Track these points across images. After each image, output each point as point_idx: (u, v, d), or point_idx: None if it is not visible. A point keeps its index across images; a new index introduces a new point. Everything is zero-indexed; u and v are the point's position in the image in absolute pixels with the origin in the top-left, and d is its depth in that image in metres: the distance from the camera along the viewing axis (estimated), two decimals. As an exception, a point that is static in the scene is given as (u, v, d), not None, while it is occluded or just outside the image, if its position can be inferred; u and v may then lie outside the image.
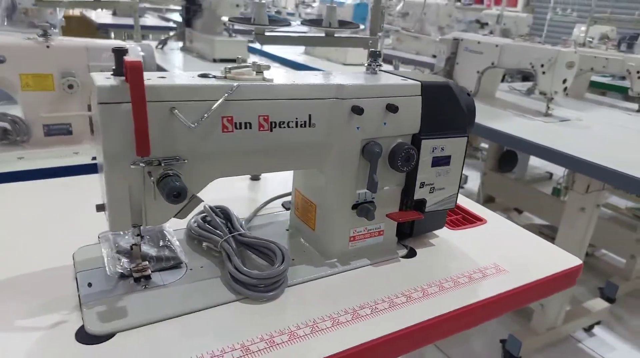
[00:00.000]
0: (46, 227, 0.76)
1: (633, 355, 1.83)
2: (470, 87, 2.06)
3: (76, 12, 4.44)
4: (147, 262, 0.66)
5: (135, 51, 1.28)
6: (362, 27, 1.01)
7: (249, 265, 0.67)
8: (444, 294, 0.67)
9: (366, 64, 0.73)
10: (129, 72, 0.48)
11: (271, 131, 0.61)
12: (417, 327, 0.60)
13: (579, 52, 1.80)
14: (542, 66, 1.78)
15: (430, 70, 2.51)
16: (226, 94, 0.56)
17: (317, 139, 0.64)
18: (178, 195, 0.53)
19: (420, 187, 0.73)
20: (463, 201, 0.97)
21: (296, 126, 0.62)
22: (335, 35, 1.01)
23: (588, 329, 1.95)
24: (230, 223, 0.75)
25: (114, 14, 4.36)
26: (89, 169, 1.08)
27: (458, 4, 4.07)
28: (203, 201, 0.62)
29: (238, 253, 0.68)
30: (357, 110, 0.64)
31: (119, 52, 0.54)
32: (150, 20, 4.34)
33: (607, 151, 1.46)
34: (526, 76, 2.88)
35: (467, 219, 0.91)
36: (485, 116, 1.80)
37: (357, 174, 0.69)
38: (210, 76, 0.60)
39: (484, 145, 3.39)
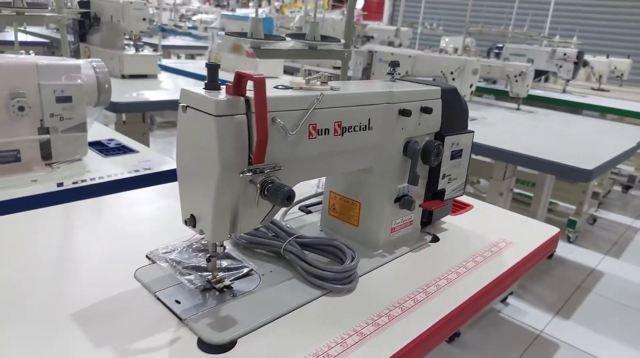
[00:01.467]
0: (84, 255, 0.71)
1: (541, 316, 2.16)
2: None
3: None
4: (221, 273, 0.66)
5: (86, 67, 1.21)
6: (343, 41, 1.10)
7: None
8: (481, 267, 0.78)
9: (386, 73, 0.82)
10: (255, 86, 0.51)
11: (342, 135, 0.66)
12: (482, 292, 0.71)
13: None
14: (452, 73, 2.04)
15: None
16: (315, 102, 0.61)
17: (374, 140, 0.71)
18: (290, 198, 0.56)
19: (442, 178, 0.84)
20: (444, 192, 1.11)
21: (360, 130, 0.69)
22: (318, 48, 1.08)
23: (503, 300, 2.26)
24: (279, 228, 0.77)
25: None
26: (56, 197, 1.00)
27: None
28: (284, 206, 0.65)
29: (300, 252, 0.71)
30: (406, 112, 0.72)
31: (213, 67, 0.55)
32: (11, 34, 3.89)
33: (517, 142, 1.74)
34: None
35: (458, 206, 1.04)
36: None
37: (400, 170, 0.77)
38: (281, 87, 0.64)
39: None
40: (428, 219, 0.89)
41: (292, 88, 0.63)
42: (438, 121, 0.81)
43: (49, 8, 1.42)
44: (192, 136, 0.56)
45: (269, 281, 0.68)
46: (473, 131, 0.87)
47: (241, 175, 0.56)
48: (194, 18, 5.86)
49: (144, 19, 2.51)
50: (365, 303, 0.66)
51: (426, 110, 0.76)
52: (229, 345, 0.54)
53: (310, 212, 0.93)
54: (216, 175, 0.54)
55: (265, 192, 0.57)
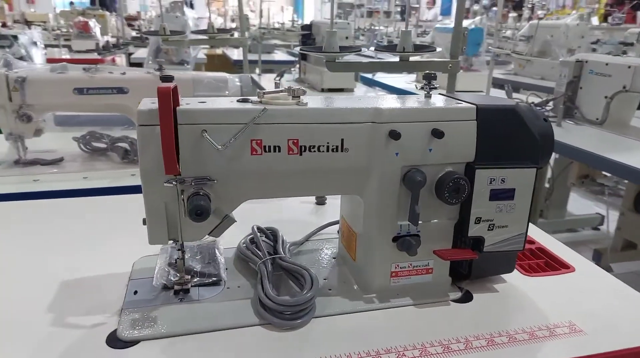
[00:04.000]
0: (122, 235, 0.85)
1: None
2: (596, 114, 1.81)
3: (218, 51, 4.98)
4: (189, 276, 0.69)
5: (232, 81, 1.39)
6: (439, 49, 0.96)
7: (284, 291, 0.66)
8: (492, 350, 0.58)
9: (419, 87, 0.69)
10: (158, 97, 0.52)
11: (301, 154, 0.60)
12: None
13: None
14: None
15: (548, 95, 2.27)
16: (254, 118, 0.57)
17: (352, 164, 0.61)
18: (200, 213, 0.55)
19: (475, 223, 0.65)
20: (551, 244, 0.85)
21: (327, 151, 0.60)
22: (411, 59, 0.97)
23: None
24: (275, 245, 0.75)
25: (250, 51, 4.80)
26: None
27: (604, 24, 3.66)
28: (235, 221, 0.64)
29: (273, 276, 0.67)
30: (394, 135, 0.60)
31: (165, 79, 0.58)
32: (279, 55, 4.66)
33: None
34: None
35: (550, 266, 0.78)
36: (613, 148, 1.57)
37: (399, 203, 0.64)
38: (250, 101, 0.62)
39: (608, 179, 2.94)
40: (468, 272, 0.70)
41: (252, 102, 0.61)
42: (470, 148, 0.63)
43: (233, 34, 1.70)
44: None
45: (227, 295, 0.67)
46: (538, 167, 0.65)
47: (165, 184, 0.57)
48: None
49: (346, 38, 2.68)
50: (298, 347, 0.57)
51: (436, 133, 0.61)
52: (130, 344, 0.57)
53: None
54: (142, 183, 0.57)
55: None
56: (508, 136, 0.64)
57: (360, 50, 0.95)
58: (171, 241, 0.63)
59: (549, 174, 2.54)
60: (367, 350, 0.57)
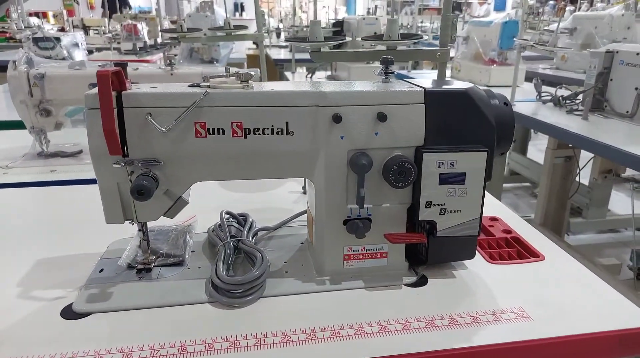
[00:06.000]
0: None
1: None
2: (626, 107, 1.71)
3: (257, 51, 5.07)
4: (153, 257, 0.72)
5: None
6: (425, 37, 0.95)
7: (241, 272, 0.68)
8: (429, 332, 0.57)
9: (376, 72, 0.69)
10: (97, 81, 0.55)
11: (245, 137, 0.61)
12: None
13: None
14: None
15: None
16: (196, 101, 0.59)
17: (298, 147, 0.62)
18: (142, 193, 0.58)
19: (426, 207, 0.64)
20: (529, 233, 0.82)
21: (272, 134, 0.62)
22: (398, 48, 0.96)
23: None
24: (242, 230, 0.77)
25: (290, 50, 4.86)
26: None
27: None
28: (188, 202, 0.66)
29: (231, 258, 0.69)
30: (336, 118, 0.60)
31: (119, 66, 0.62)
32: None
33: None
34: None
35: (521, 254, 0.75)
36: (642, 143, 1.48)
37: (347, 187, 0.64)
38: (199, 86, 0.64)
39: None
40: (425, 257, 0.70)
41: (199, 86, 0.63)
42: (418, 132, 0.63)
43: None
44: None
45: (185, 275, 0.69)
46: (488, 151, 0.63)
47: (114, 165, 0.60)
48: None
49: (375, 33, 2.67)
50: (240, 323, 0.59)
51: (380, 117, 0.61)
52: (81, 316, 0.60)
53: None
54: (93, 164, 0.61)
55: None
56: (459, 119, 0.63)
57: (345, 39, 0.95)
58: (129, 221, 0.66)
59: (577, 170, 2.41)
60: (304, 328, 0.58)
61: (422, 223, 0.66)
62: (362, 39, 0.99)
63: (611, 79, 1.78)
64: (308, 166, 0.64)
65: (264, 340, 0.56)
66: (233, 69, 0.65)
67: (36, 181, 1.17)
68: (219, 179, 0.66)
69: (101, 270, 0.70)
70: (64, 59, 2.72)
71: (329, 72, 3.12)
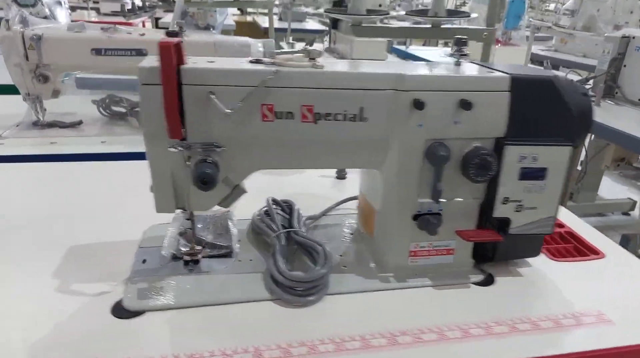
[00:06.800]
0: (143, 199, 0.83)
1: None
2: (638, 94, 1.70)
3: (249, 18, 4.89)
4: (200, 247, 0.66)
5: (255, 46, 1.34)
6: (474, 15, 0.89)
7: (297, 266, 0.64)
8: (514, 337, 0.54)
9: (448, 54, 0.64)
10: (159, 52, 0.48)
11: (315, 122, 0.56)
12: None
13: None
14: None
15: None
16: (265, 80, 0.53)
17: (371, 135, 0.57)
18: (206, 182, 0.52)
19: (502, 203, 0.60)
20: (581, 228, 0.79)
21: (344, 119, 0.56)
22: (443, 26, 0.90)
23: None
24: (291, 219, 0.72)
25: (280, 19, 4.70)
26: None
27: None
28: (246, 191, 0.61)
29: (287, 251, 0.65)
30: (418, 104, 0.55)
31: (170, 34, 0.54)
32: (310, 24, 4.54)
33: None
34: None
35: (579, 251, 0.73)
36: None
37: (420, 179, 0.59)
38: (262, 62, 0.57)
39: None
40: (492, 254, 0.66)
41: (264, 63, 0.56)
42: (500, 122, 0.58)
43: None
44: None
45: (237, 268, 0.64)
46: (573, 145, 0.59)
47: (170, 149, 0.54)
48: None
49: (380, 5, 2.57)
50: (308, 325, 0.55)
51: (464, 105, 0.56)
52: (135, 314, 0.55)
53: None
54: (145, 147, 0.54)
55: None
56: (543, 110, 0.59)
57: (388, 14, 0.89)
58: (179, 211, 0.60)
59: (582, 155, 2.43)
60: (382, 332, 0.54)
61: (493, 219, 0.62)
62: (406, 14, 0.92)
63: (624, 65, 1.77)
64: (380, 156, 0.59)
65: (342, 344, 0.51)
66: (299, 45, 0.58)
67: (37, 153, 1.08)
68: (281, 167, 0.61)
69: (144, 261, 0.64)
70: (45, 17, 2.54)
71: (327, 45, 3.01)
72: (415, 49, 3.00)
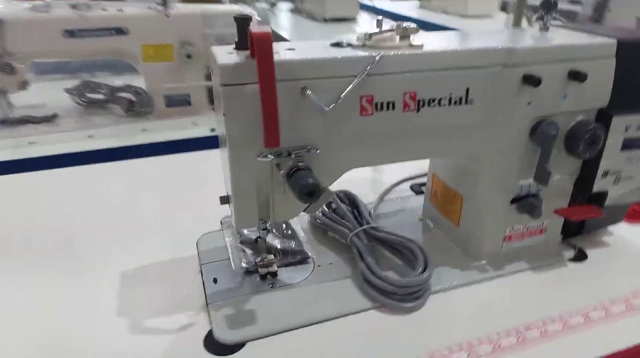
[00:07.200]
0: (168, 208, 0.74)
1: None
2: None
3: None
4: (272, 256, 0.59)
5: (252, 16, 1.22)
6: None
7: (383, 265, 0.58)
8: (636, 317, 0.52)
9: (535, 18, 0.57)
10: (256, 46, 0.39)
11: (417, 111, 0.49)
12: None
13: None
14: None
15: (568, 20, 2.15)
16: (368, 68, 0.45)
17: (475, 119, 0.51)
18: (311, 193, 0.45)
19: (602, 176, 0.57)
20: None
21: (449, 104, 0.49)
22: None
23: None
24: (358, 212, 0.66)
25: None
26: (209, 143, 1.07)
27: None
28: (334, 193, 0.54)
29: (370, 249, 0.59)
30: (533, 80, 0.49)
31: (242, 22, 0.45)
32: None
33: None
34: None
35: (649, 211, 0.72)
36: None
37: (522, 161, 0.55)
38: (345, 44, 0.49)
39: None
40: (578, 228, 0.63)
41: (351, 46, 0.48)
42: (605, 92, 0.54)
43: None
44: (218, 103, 0.49)
45: (321, 275, 0.58)
46: (675, 109, 0.56)
47: (259, 159, 0.46)
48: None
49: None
50: (427, 330, 0.50)
51: (577, 76, 0.51)
52: (235, 347, 0.48)
53: (421, 193, 0.77)
54: (230, 158, 0.46)
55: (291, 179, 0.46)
56: (645, 74, 0.55)
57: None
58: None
59: None
60: (506, 328, 0.50)
61: (589, 194, 0.59)
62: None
63: (609, 11, 1.77)
64: (480, 140, 0.53)
65: (473, 348, 0.47)
66: (389, 22, 0.50)
67: (21, 158, 0.94)
68: (376, 164, 0.54)
69: (215, 280, 0.57)
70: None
71: (291, 4, 2.83)
72: (382, 4, 2.89)
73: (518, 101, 0.51)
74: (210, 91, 1.21)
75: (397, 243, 0.59)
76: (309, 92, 0.44)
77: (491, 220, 0.58)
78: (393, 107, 0.48)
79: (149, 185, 0.81)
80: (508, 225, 0.58)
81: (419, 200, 0.72)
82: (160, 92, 1.15)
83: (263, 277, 0.57)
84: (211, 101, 1.23)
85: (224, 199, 0.54)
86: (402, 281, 0.53)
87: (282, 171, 0.47)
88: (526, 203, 0.56)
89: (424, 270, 0.54)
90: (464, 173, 0.59)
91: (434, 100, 0.49)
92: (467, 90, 0.49)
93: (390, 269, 0.58)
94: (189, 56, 1.14)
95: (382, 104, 0.47)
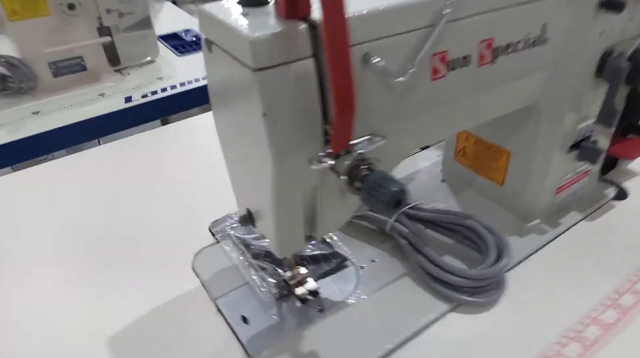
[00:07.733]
0: (139, 217, 0.57)
1: None
2: None
3: None
4: (303, 267, 0.47)
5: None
6: None
7: (437, 252, 0.49)
8: None
9: None
10: (324, 10, 0.24)
11: (493, 62, 0.37)
12: None
13: None
14: None
15: None
16: (445, 13, 0.32)
17: (547, 61, 0.41)
18: (400, 202, 0.32)
19: (649, 105, 0.51)
20: None
21: (524, 47, 0.39)
22: None
23: None
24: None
25: None
26: (130, 118, 0.87)
27: None
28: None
29: (419, 236, 0.49)
30: (614, 5, 0.39)
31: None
32: None
33: None
34: None
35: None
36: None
37: (584, 101, 0.47)
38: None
39: None
40: (612, 163, 0.59)
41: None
42: (664, 8, 0.46)
43: None
44: (228, 96, 0.33)
45: (371, 279, 0.47)
46: None
47: (314, 167, 0.32)
48: None
49: None
50: (525, 324, 0.42)
51: (649, -7, 0.42)
52: (312, 410, 0.37)
53: (427, 146, 0.67)
54: (269, 166, 0.31)
55: (358, 185, 0.33)
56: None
57: None
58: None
59: None
60: (601, 300, 0.44)
61: (632, 126, 0.53)
62: None
63: None
64: (548, 84, 0.44)
65: (581, 336, 0.41)
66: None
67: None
68: (442, 139, 0.42)
69: (244, 319, 0.44)
70: None
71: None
72: None
73: (590, 32, 0.41)
74: (109, 49, 0.97)
75: (451, 223, 0.49)
76: (375, 59, 0.30)
77: (546, 173, 0.50)
78: (468, 63, 0.36)
79: (108, 179, 0.62)
80: (562, 175, 0.51)
81: (433, 159, 0.63)
82: (43, 60, 0.90)
83: (303, 301, 0.45)
84: (112, 61, 1.00)
85: (246, 219, 0.39)
86: (485, 272, 0.44)
87: (341, 176, 0.33)
88: (587, 149, 0.49)
89: (499, 254, 0.45)
90: (513, 125, 0.50)
91: (509, 46, 0.37)
92: (544, 26, 0.39)
93: (446, 254, 0.49)
94: (71, 6, 0.89)
95: (457, 60, 0.35)
